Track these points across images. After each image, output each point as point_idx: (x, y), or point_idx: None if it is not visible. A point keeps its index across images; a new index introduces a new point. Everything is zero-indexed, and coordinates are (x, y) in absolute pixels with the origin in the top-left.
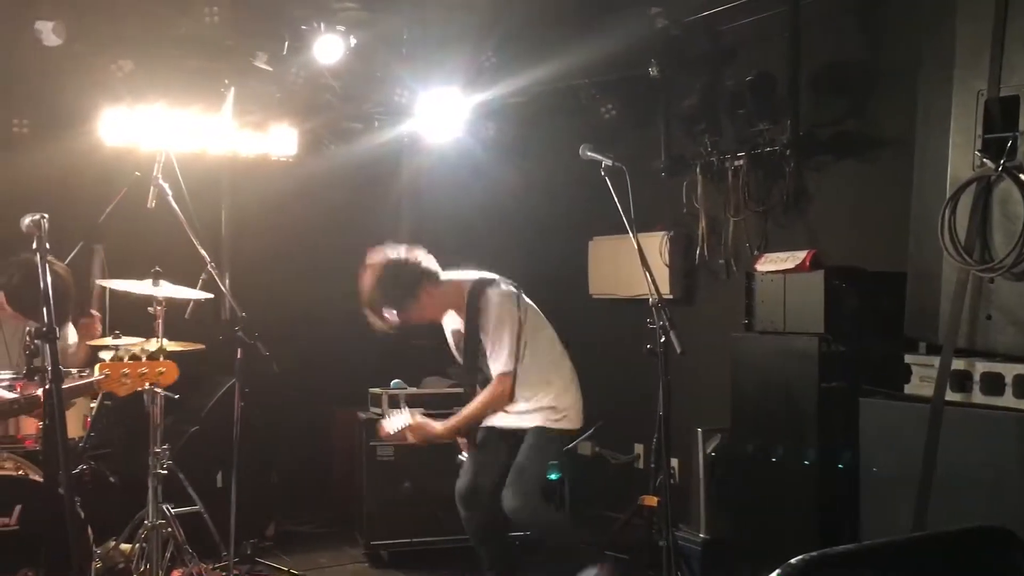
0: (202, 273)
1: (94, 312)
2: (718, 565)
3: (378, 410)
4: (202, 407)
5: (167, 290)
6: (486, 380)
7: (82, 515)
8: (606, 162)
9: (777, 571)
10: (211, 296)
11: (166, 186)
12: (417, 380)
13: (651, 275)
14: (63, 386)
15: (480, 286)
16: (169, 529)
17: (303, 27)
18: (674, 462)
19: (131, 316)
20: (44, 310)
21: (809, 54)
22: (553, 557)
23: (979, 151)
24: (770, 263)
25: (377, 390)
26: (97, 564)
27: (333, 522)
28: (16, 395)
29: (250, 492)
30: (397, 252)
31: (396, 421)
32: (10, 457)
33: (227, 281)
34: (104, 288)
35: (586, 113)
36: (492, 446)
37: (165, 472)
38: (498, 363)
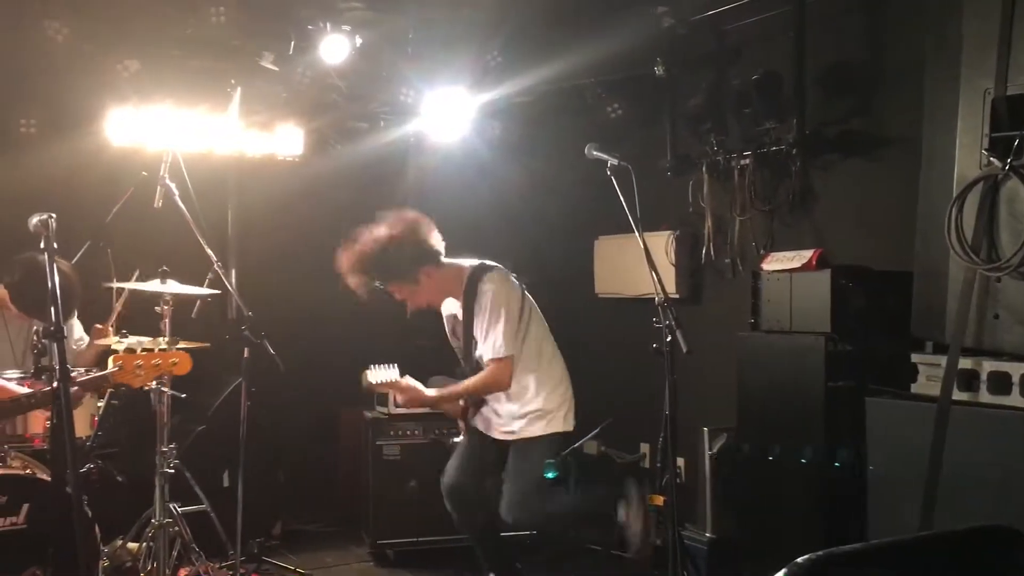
0: (209, 273)
1: (109, 327)
2: (724, 564)
3: (384, 409)
4: (208, 406)
5: (174, 287)
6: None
7: (89, 514)
8: (612, 161)
9: (783, 570)
10: (217, 293)
11: (173, 186)
12: (423, 380)
13: (657, 274)
14: (79, 380)
15: (480, 271)
16: (176, 528)
17: (309, 27)
18: (680, 461)
19: (138, 316)
20: (52, 309)
21: (815, 53)
22: (553, 557)
23: (986, 150)
24: (776, 262)
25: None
26: (104, 563)
27: (339, 521)
28: (31, 390)
29: (256, 491)
30: (402, 222)
31: (382, 374)
32: (18, 456)
33: (233, 280)
34: (123, 294)
35: (592, 112)
36: (479, 445)
37: (172, 471)
38: (492, 347)
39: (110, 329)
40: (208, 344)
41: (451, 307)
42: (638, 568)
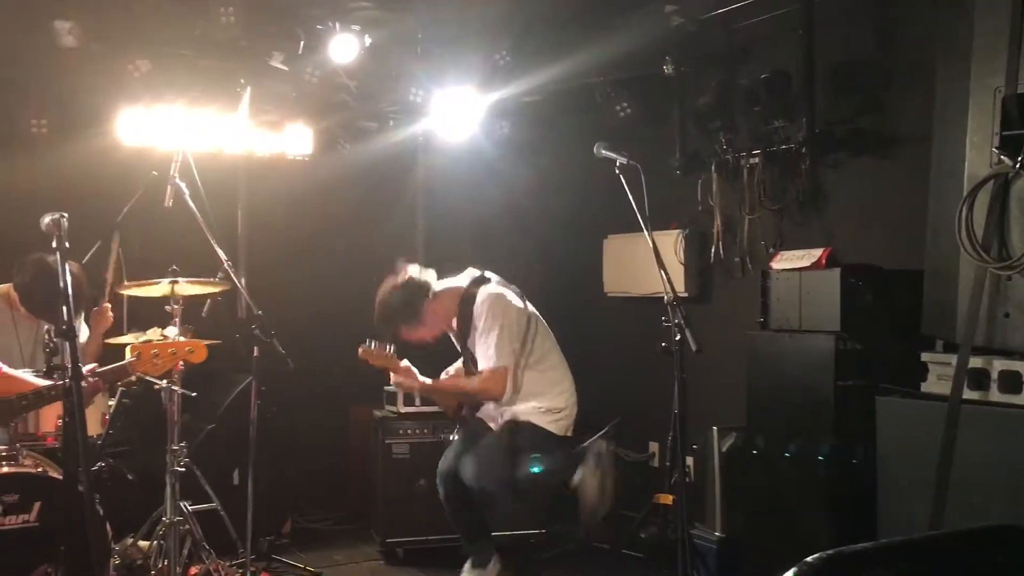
0: (219, 271)
1: (106, 304)
2: (733, 563)
3: (393, 408)
4: (219, 405)
5: (184, 288)
6: None
7: (101, 512)
8: (621, 160)
9: (793, 570)
10: (227, 289)
11: (183, 185)
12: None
13: (666, 273)
14: (98, 371)
15: (474, 286)
16: (187, 526)
17: (318, 27)
18: (689, 460)
19: (149, 314)
20: (63, 308)
21: (824, 51)
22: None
23: (996, 148)
24: (786, 261)
25: (392, 388)
26: (115, 561)
27: (349, 519)
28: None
29: (266, 489)
30: (392, 280)
31: (379, 349)
32: (30, 454)
33: (243, 279)
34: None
35: (601, 111)
36: (477, 434)
37: (182, 469)
38: (488, 359)
39: (109, 314)
40: (219, 342)
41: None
42: (646, 566)
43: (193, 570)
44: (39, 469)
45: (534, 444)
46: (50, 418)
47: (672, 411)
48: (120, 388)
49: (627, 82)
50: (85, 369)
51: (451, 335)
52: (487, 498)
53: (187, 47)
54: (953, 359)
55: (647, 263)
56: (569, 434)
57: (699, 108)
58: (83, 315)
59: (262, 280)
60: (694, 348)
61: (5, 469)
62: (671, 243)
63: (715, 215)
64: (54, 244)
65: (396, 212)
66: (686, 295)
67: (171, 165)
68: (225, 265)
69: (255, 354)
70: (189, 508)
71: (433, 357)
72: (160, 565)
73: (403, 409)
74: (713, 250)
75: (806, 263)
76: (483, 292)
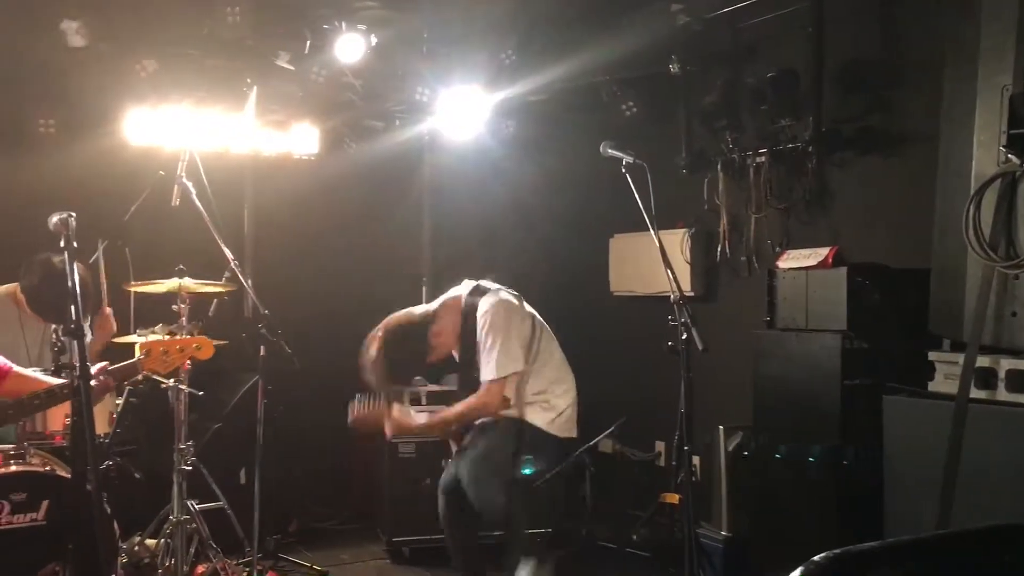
0: (225, 271)
1: (107, 308)
2: (740, 563)
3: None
4: (225, 404)
5: (191, 288)
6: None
7: (108, 510)
8: (627, 159)
9: (800, 569)
10: (234, 289)
11: (190, 185)
12: (440, 376)
13: (672, 272)
14: (109, 368)
15: (473, 296)
16: (193, 525)
17: (324, 26)
18: (695, 460)
19: (155, 314)
20: (72, 308)
21: (831, 49)
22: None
23: (1004, 147)
24: (792, 260)
25: (398, 387)
26: (123, 559)
27: (355, 519)
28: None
29: (273, 488)
30: (390, 326)
31: (367, 406)
32: (37, 453)
33: (249, 278)
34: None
35: (607, 110)
36: (474, 439)
37: (189, 468)
38: (487, 370)
39: (112, 321)
40: (225, 341)
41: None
42: (652, 565)
43: (200, 568)
44: (47, 468)
45: (535, 446)
46: (58, 417)
47: (678, 410)
48: (127, 387)
49: (633, 81)
50: (94, 368)
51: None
52: (486, 502)
53: (194, 47)
54: (960, 358)
55: (653, 262)
56: (573, 435)
57: (705, 107)
58: (89, 319)
59: (268, 279)
60: (701, 347)
61: (13, 468)
62: (677, 242)
63: (721, 214)
64: (62, 244)
65: (402, 211)
66: (692, 294)
67: (178, 165)
68: (232, 264)
69: (261, 353)
70: (196, 507)
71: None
72: (167, 563)
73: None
74: (719, 249)
75: (813, 262)
76: (484, 303)
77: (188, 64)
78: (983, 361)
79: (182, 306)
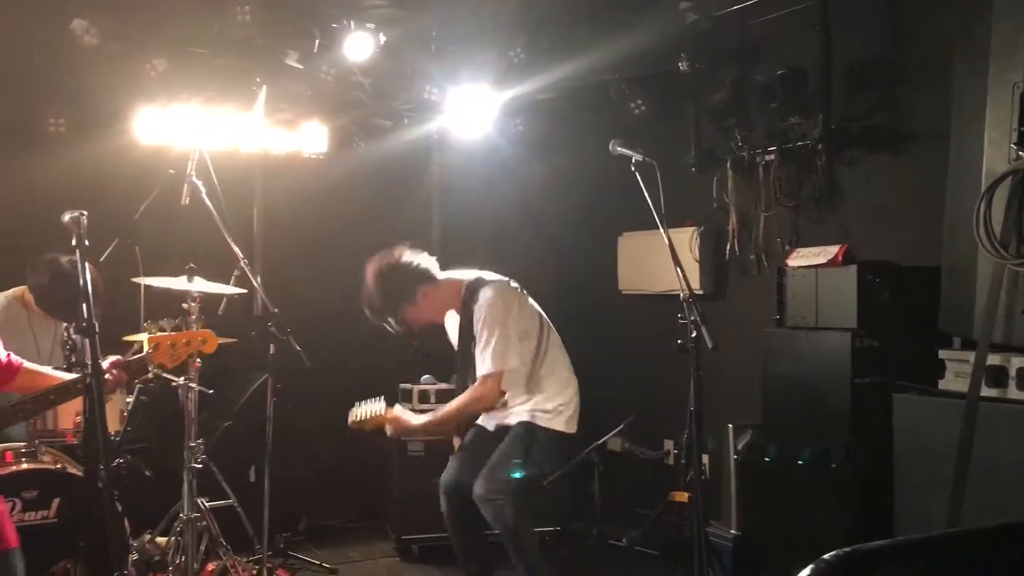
0: (235, 269)
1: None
2: (749, 561)
3: (409, 406)
4: (235, 402)
5: (201, 286)
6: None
7: (119, 508)
8: (636, 157)
9: (810, 567)
10: (244, 291)
11: (199, 183)
12: (448, 376)
13: (682, 270)
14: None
15: (475, 286)
16: (204, 523)
17: (333, 25)
18: (705, 458)
19: (166, 312)
20: (84, 305)
21: (841, 47)
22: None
23: (1015, 144)
24: (802, 258)
25: (407, 385)
26: (133, 556)
27: (364, 517)
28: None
29: (282, 486)
30: (388, 256)
31: (367, 407)
32: (48, 451)
33: (259, 277)
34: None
35: (615, 108)
36: (479, 444)
37: (199, 466)
38: (484, 363)
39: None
40: (235, 340)
41: (454, 319)
42: (661, 564)
43: (210, 566)
44: (58, 465)
45: (547, 449)
46: (68, 415)
47: (687, 409)
48: (138, 385)
49: (642, 79)
50: (106, 363)
51: (450, 338)
52: (499, 519)
53: (204, 46)
54: (971, 356)
55: (662, 260)
56: (574, 430)
57: (714, 105)
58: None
59: (278, 278)
60: (710, 345)
61: (25, 465)
62: (686, 240)
63: (730, 212)
64: (73, 242)
65: (411, 210)
66: (701, 292)
67: (188, 163)
68: (241, 263)
69: (271, 352)
70: (206, 504)
71: (438, 359)
72: (177, 561)
73: (418, 407)
74: (728, 247)
75: (822, 260)
76: (482, 295)
77: (198, 63)
78: (994, 359)
79: (192, 304)
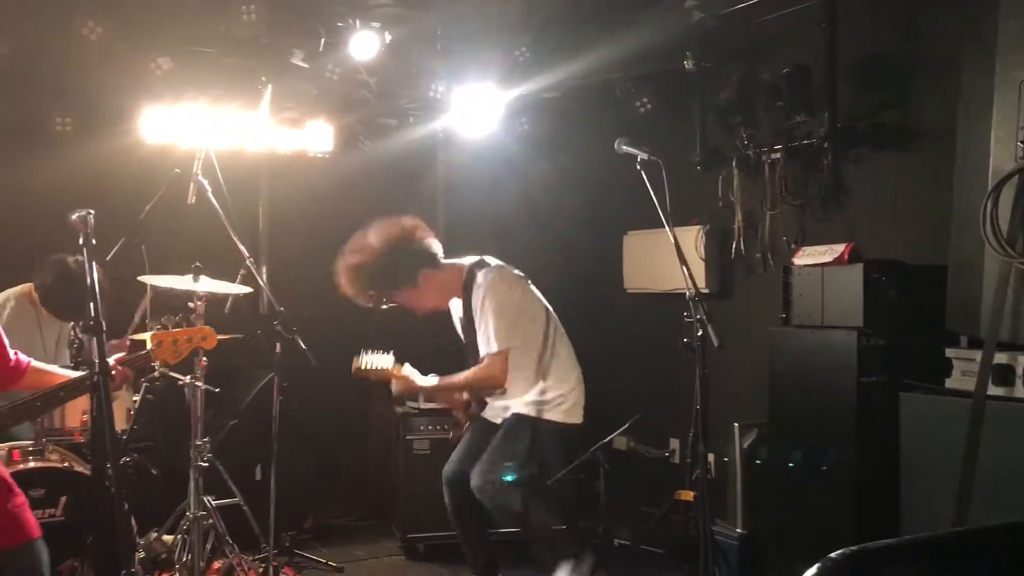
0: (241, 268)
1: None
2: (755, 560)
3: (414, 404)
4: (241, 401)
5: (207, 284)
6: None
7: (126, 506)
8: (642, 156)
9: (816, 566)
10: (250, 290)
11: (205, 182)
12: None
13: (688, 269)
14: (124, 359)
15: (475, 269)
16: (210, 521)
17: (339, 24)
18: (710, 457)
19: (171, 311)
20: (91, 304)
21: (846, 45)
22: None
23: (1021, 142)
24: (808, 256)
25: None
26: (140, 555)
27: (370, 515)
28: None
29: (288, 485)
30: (397, 227)
31: (375, 359)
32: (56, 449)
33: (265, 276)
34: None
35: (621, 107)
36: (482, 435)
37: (206, 465)
38: (488, 343)
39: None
40: (241, 336)
41: (458, 306)
42: (667, 562)
43: (216, 564)
44: (65, 464)
45: (547, 442)
46: (75, 413)
47: (693, 407)
48: (144, 384)
49: (647, 78)
50: (112, 359)
51: (455, 322)
52: (501, 508)
53: (209, 45)
54: (978, 355)
55: (668, 259)
56: (579, 421)
57: (720, 103)
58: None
59: (283, 276)
60: (716, 344)
61: (32, 464)
62: (692, 239)
63: (736, 211)
64: (80, 241)
65: (416, 208)
66: (707, 291)
67: (193, 163)
68: (247, 261)
69: (277, 350)
70: (212, 503)
71: (440, 353)
72: (184, 559)
73: (424, 406)
74: (734, 246)
75: (828, 258)
76: (481, 277)
77: (204, 62)
78: (1001, 358)
79: (199, 303)
